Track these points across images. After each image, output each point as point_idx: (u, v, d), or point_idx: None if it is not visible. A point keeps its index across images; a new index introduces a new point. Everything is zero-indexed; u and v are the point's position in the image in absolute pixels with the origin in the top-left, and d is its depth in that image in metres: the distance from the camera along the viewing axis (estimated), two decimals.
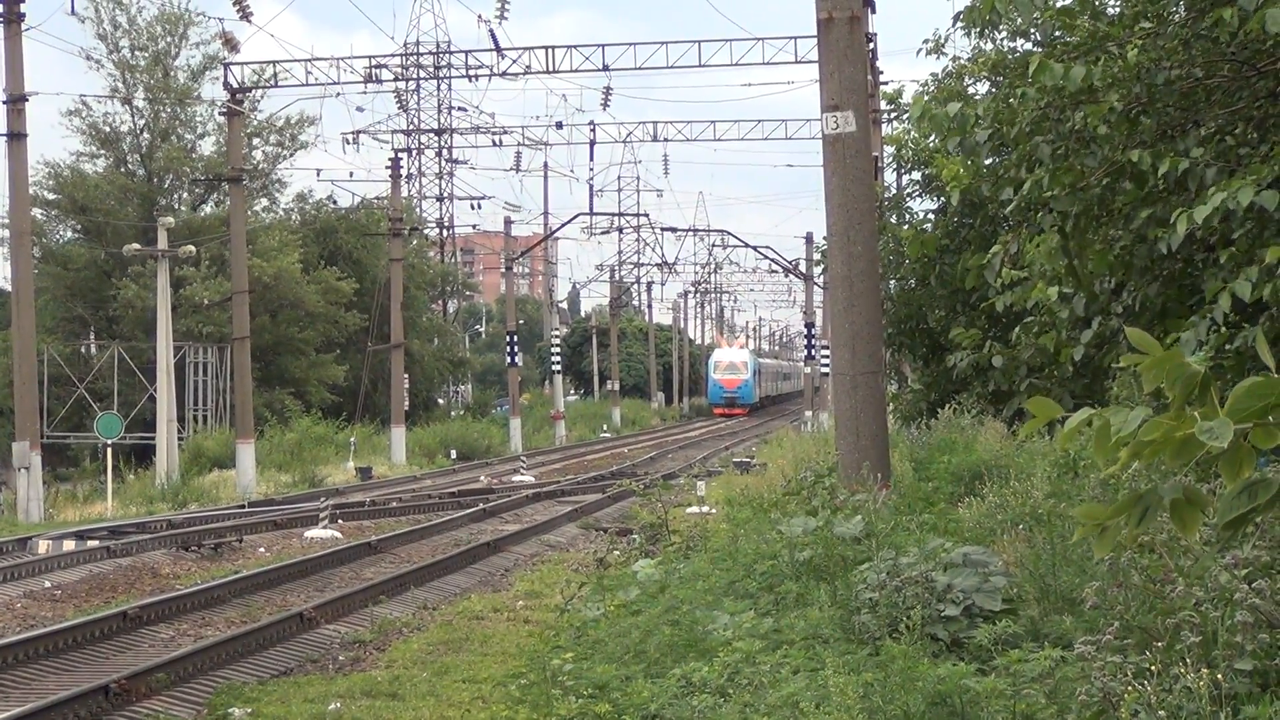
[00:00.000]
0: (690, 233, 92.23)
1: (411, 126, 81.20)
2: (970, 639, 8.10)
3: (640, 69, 46.22)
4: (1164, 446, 3.81)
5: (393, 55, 51.13)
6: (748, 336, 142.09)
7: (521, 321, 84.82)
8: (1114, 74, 10.70)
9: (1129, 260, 11.72)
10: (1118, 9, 12.20)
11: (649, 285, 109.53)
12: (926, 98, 16.00)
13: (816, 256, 56.31)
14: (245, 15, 42.21)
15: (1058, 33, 11.70)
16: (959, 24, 12.03)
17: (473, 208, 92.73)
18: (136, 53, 63.39)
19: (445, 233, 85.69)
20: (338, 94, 53.05)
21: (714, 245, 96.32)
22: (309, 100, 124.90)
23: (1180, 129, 11.20)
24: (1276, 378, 3.80)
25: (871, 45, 36.02)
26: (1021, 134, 11.44)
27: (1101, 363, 13.42)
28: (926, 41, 16.04)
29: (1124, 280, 12.03)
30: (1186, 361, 3.84)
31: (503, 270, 75.35)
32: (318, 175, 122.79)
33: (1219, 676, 5.90)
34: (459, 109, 78.75)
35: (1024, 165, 11.82)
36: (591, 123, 63.36)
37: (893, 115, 27.77)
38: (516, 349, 66.70)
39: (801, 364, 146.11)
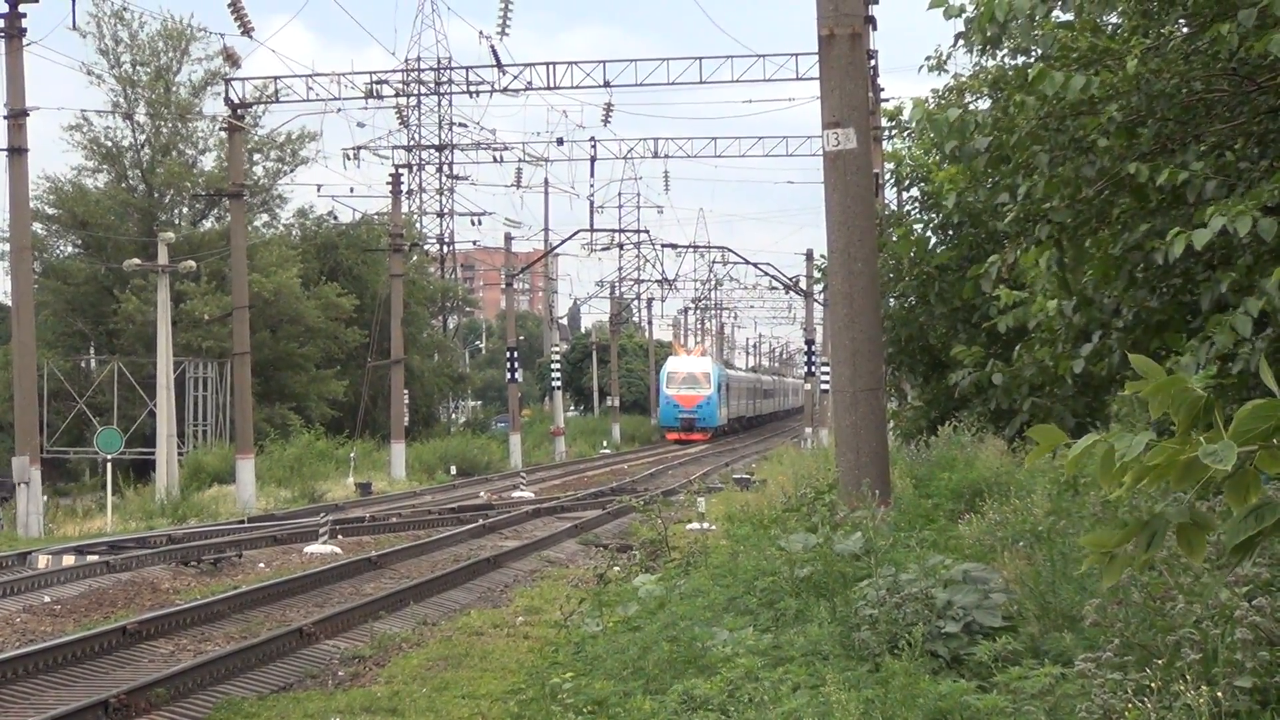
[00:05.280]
0: (691, 249, 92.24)
1: (412, 142, 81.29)
2: (970, 656, 8.10)
3: (641, 85, 46.36)
4: (1168, 471, 3.79)
5: (394, 71, 51.23)
6: (740, 349, 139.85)
7: (522, 337, 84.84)
8: (1113, 83, 10.70)
9: (1127, 271, 11.70)
10: (1118, 22, 12.20)
11: (649, 302, 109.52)
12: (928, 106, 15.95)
13: (817, 273, 56.30)
14: (247, 31, 42.32)
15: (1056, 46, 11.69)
16: (961, 43, 12.02)
17: (473, 224, 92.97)
18: (138, 68, 63.54)
19: (446, 248, 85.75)
20: (339, 110, 53.23)
21: (714, 262, 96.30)
22: (310, 116, 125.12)
23: (1180, 142, 11.19)
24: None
25: (873, 62, 36.06)
26: (1021, 142, 11.43)
27: (1101, 380, 13.36)
28: (928, 59, 15.98)
29: (1123, 294, 12.02)
30: (1190, 385, 3.81)
31: (503, 286, 75.35)
32: (318, 191, 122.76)
33: (1219, 694, 5.89)
34: (460, 125, 78.85)
35: (1021, 174, 11.82)
36: (592, 139, 63.59)
37: (893, 132, 27.77)
38: (517, 365, 66.75)
39: (788, 379, 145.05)
